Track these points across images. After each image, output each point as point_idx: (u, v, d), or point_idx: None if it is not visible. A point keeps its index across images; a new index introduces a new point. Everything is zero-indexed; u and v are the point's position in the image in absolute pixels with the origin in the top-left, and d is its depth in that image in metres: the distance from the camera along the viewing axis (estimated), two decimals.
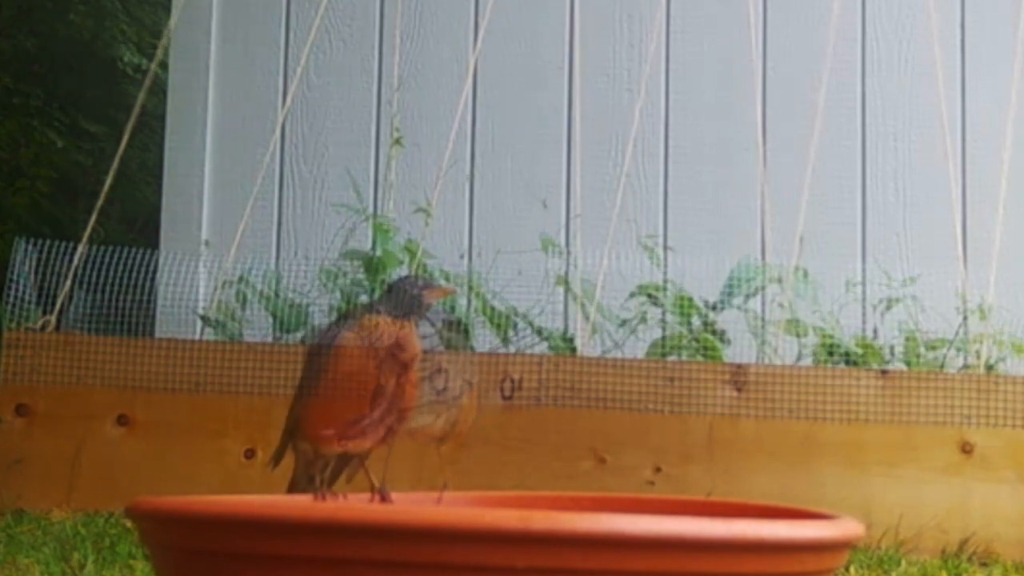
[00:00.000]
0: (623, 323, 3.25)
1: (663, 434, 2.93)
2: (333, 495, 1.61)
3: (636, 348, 3.21)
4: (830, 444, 2.90)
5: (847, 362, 3.10)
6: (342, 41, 3.95)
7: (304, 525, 1.13)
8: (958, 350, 3.13)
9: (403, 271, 3.29)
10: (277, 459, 1.68)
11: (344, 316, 1.68)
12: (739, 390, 2.94)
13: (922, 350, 3.14)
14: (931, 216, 3.66)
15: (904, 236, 3.75)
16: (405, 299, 1.61)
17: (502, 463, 2.94)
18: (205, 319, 3.33)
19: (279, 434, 1.68)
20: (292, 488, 1.69)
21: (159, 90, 4.54)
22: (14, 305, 3.14)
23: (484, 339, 3.28)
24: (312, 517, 1.15)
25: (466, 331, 1.62)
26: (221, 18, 4.00)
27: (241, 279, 3.33)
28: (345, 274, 3.30)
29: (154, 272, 3.31)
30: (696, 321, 3.18)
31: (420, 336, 1.65)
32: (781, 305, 3.20)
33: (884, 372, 2.95)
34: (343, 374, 1.58)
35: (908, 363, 3.12)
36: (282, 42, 3.98)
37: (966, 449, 2.87)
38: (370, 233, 3.46)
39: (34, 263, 3.20)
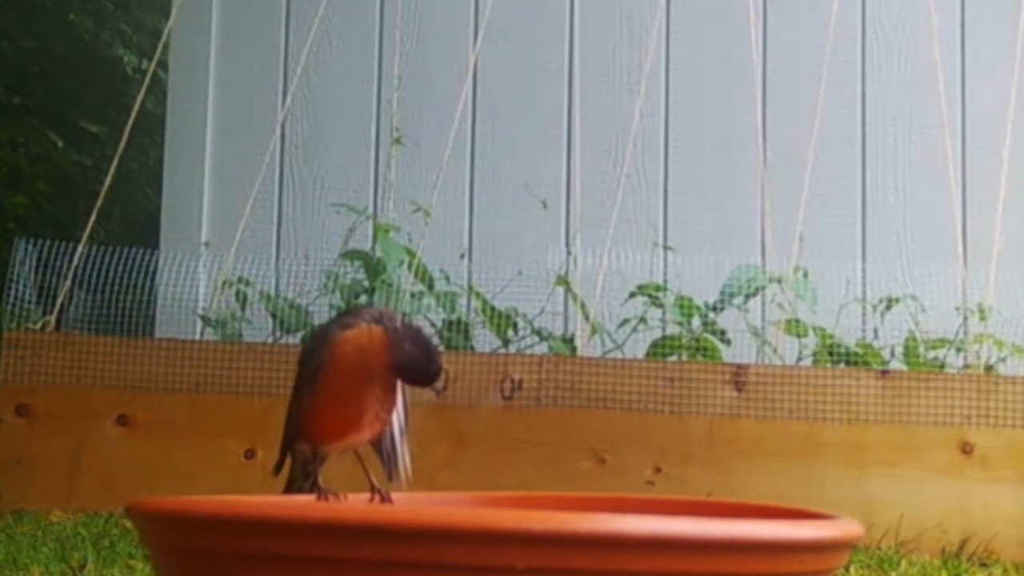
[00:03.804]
0: (623, 323, 3.25)
1: (663, 434, 2.93)
2: (334, 495, 1.61)
3: (636, 348, 3.21)
4: (830, 444, 2.90)
5: (847, 362, 3.10)
6: (342, 41, 3.95)
7: (304, 525, 1.13)
8: (958, 350, 3.13)
9: (402, 272, 3.29)
10: (279, 467, 1.67)
11: (332, 321, 1.66)
12: (739, 390, 2.94)
13: (922, 350, 3.14)
14: (931, 216, 3.66)
15: (904, 236, 3.75)
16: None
17: (502, 463, 2.94)
18: (205, 319, 3.33)
19: (279, 434, 1.68)
20: (289, 486, 1.69)
21: (159, 90, 4.54)
22: (14, 305, 3.15)
23: (484, 339, 3.28)
24: (312, 517, 1.15)
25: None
26: (221, 18, 4.00)
27: (241, 279, 3.33)
28: (345, 274, 3.30)
29: (154, 272, 3.32)
30: (696, 321, 3.18)
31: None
32: (781, 305, 3.20)
33: (884, 372, 2.95)
34: (342, 375, 1.57)
35: (908, 363, 3.12)
36: (282, 42, 3.98)
37: (966, 449, 2.87)
38: (370, 233, 3.46)
39: (34, 263, 3.20)
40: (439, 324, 3.29)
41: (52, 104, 6.27)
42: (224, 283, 3.33)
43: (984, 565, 2.70)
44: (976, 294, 3.16)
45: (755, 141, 3.50)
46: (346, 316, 1.63)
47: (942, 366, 3.11)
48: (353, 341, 1.57)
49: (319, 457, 1.65)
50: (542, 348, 3.21)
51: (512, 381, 2.98)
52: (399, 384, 1.59)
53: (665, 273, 3.43)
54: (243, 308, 3.32)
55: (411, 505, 1.59)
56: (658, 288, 3.28)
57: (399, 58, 3.81)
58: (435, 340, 1.62)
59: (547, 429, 2.96)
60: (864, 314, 3.30)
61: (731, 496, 2.77)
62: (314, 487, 1.66)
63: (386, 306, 3.23)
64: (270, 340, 3.26)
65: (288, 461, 1.68)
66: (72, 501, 2.92)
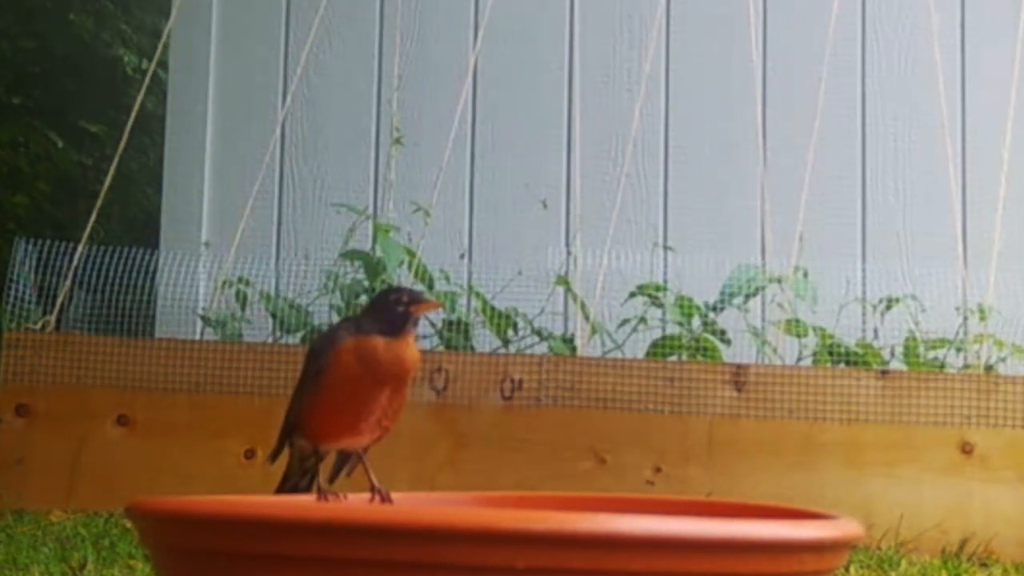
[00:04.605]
0: (623, 323, 3.25)
1: (663, 434, 2.93)
2: (334, 495, 1.61)
3: (636, 348, 3.21)
4: (830, 444, 2.90)
5: (847, 362, 3.09)
6: (342, 41, 3.95)
7: (304, 525, 1.13)
8: (958, 350, 3.13)
9: (402, 272, 3.29)
10: (275, 456, 1.69)
11: (342, 325, 1.67)
12: (739, 390, 2.94)
13: (922, 350, 3.14)
14: (931, 216, 3.66)
15: (904, 236, 3.75)
16: (394, 317, 1.60)
17: (502, 463, 2.94)
18: (205, 319, 3.33)
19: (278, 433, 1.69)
20: (286, 480, 1.70)
21: (159, 90, 4.54)
22: (14, 305, 3.14)
23: (484, 339, 3.28)
24: (312, 517, 1.15)
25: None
26: (221, 18, 4.00)
27: (241, 279, 3.33)
28: (345, 274, 3.30)
29: (154, 272, 3.32)
30: (696, 321, 3.18)
31: (417, 340, 1.65)
32: (781, 305, 3.20)
33: (884, 372, 2.95)
34: (342, 382, 1.59)
35: (908, 363, 3.12)
36: (282, 42, 3.98)
37: (966, 449, 2.87)
38: (370, 233, 3.46)
39: (34, 263, 3.20)
40: (439, 324, 3.29)
41: (52, 104, 6.27)
42: (224, 283, 3.33)
43: (984, 565, 2.70)
44: (976, 294, 3.16)
45: (755, 141, 3.50)
46: (354, 321, 1.64)
47: (942, 366, 3.11)
48: (356, 350, 1.58)
49: (319, 455, 1.66)
50: (542, 348, 3.21)
51: (512, 381, 2.98)
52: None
53: (665, 273, 3.43)
54: (243, 308, 3.32)
55: (411, 505, 1.60)
56: (658, 288, 3.28)
57: (399, 58, 3.81)
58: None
59: (547, 429, 2.96)
60: (864, 314, 3.30)
61: (731, 496, 2.77)
62: (312, 483, 1.67)
63: None
64: (270, 340, 3.26)
65: (288, 455, 1.69)
66: (72, 501, 2.92)
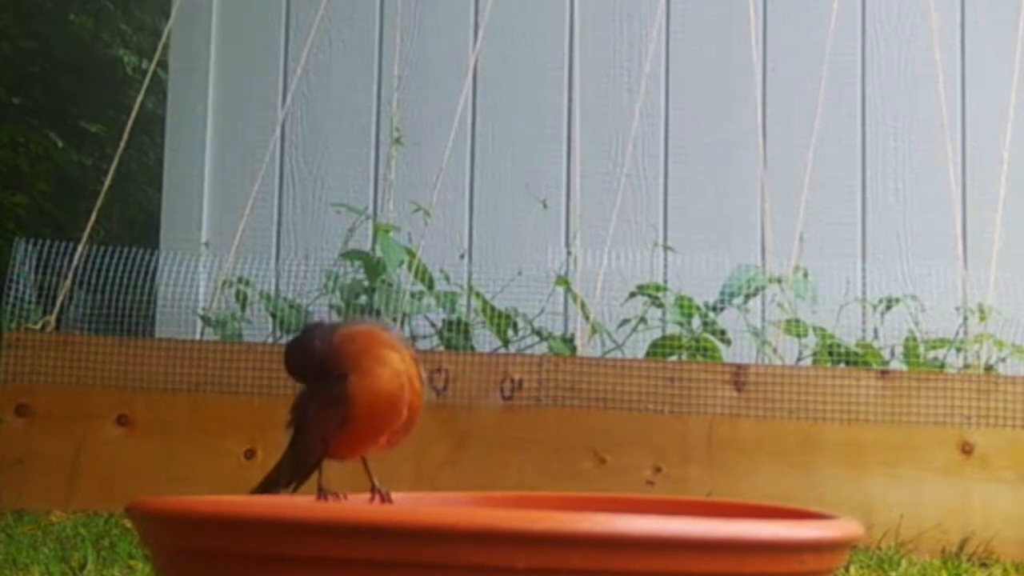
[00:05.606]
0: (623, 323, 3.25)
1: (663, 434, 2.93)
2: (334, 495, 1.61)
3: (636, 348, 3.21)
4: (830, 444, 2.90)
5: (847, 362, 3.09)
6: (342, 41, 3.95)
7: (304, 525, 1.13)
8: (958, 350, 3.13)
9: (402, 272, 3.29)
10: (298, 486, 1.66)
11: (347, 324, 1.66)
12: (739, 390, 2.94)
13: (922, 350, 3.14)
14: (931, 216, 3.66)
15: (904, 236, 3.75)
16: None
17: (502, 463, 2.94)
18: (205, 319, 3.33)
19: (279, 434, 1.67)
20: (278, 473, 1.68)
21: (159, 90, 4.54)
22: (14, 305, 3.14)
23: (484, 339, 3.28)
24: (312, 517, 1.15)
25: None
26: (221, 18, 4.00)
27: (241, 279, 3.33)
28: (345, 274, 3.30)
29: (154, 272, 3.32)
30: (696, 321, 3.18)
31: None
32: (781, 305, 3.20)
33: (884, 372, 2.95)
34: (368, 417, 1.55)
35: (908, 363, 3.12)
36: (282, 42, 3.98)
37: (966, 449, 2.87)
38: (370, 233, 3.46)
39: (34, 263, 3.20)
40: (439, 324, 3.29)
41: (52, 104, 6.27)
42: (224, 283, 3.33)
43: (984, 565, 2.70)
44: (976, 294, 3.16)
45: (755, 141, 3.50)
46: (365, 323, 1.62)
47: (942, 366, 3.11)
48: (387, 384, 1.53)
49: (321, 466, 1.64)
50: (542, 348, 3.21)
51: (512, 381, 2.98)
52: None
53: (665, 273, 3.43)
54: (243, 308, 3.32)
55: (411, 505, 1.59)
56: (658, 288, 3.28)
57: (399, 58, 3.81)
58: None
59: (547, 429, 2.96)
60: (864, 314, 3.30)
61: (731, 496, 2.77)
62: (296, 490, 1.65)
63: (386, 306, 3.23)
64: (270, 340, 3.26)
65: (283, 455, 1.68)
66: (72, 501, 2.92)
